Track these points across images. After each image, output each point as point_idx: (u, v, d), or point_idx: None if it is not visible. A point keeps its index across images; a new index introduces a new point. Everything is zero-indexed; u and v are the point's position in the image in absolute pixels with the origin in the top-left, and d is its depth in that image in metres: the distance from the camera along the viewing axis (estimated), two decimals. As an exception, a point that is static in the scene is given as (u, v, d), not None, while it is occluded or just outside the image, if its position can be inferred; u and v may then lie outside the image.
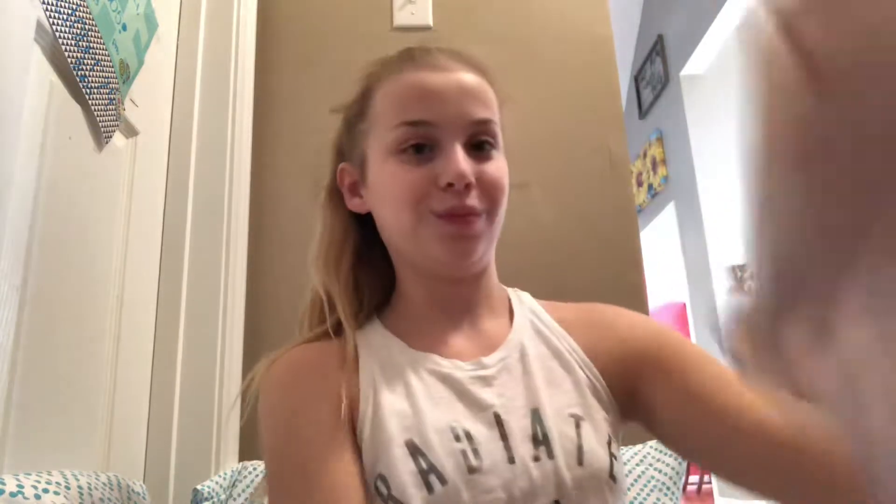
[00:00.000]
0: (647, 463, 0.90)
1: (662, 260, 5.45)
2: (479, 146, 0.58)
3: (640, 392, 0.57)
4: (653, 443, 0.93)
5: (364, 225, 0.65)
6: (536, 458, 0.51)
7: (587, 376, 0.57)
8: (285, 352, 0.60)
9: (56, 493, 0.55)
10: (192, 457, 0.98)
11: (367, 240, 0.64)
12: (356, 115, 0.63)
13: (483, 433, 0.52)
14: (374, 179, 0.60)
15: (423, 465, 0.50)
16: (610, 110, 1.34)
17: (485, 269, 0.62)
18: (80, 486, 0.60)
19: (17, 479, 0.53)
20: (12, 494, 0.51)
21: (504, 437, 0.52)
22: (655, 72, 4.63)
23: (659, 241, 5.05)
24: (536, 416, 0.54)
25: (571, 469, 0.51)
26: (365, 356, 0.58)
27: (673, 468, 0.89)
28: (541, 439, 0.52)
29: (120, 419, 0.88)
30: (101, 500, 0.63)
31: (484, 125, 0.58)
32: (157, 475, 0.95)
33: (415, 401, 0.54)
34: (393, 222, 0.59)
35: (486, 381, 0.56)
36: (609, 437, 0.54)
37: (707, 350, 0.55)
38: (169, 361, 1.00)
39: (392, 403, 0.54)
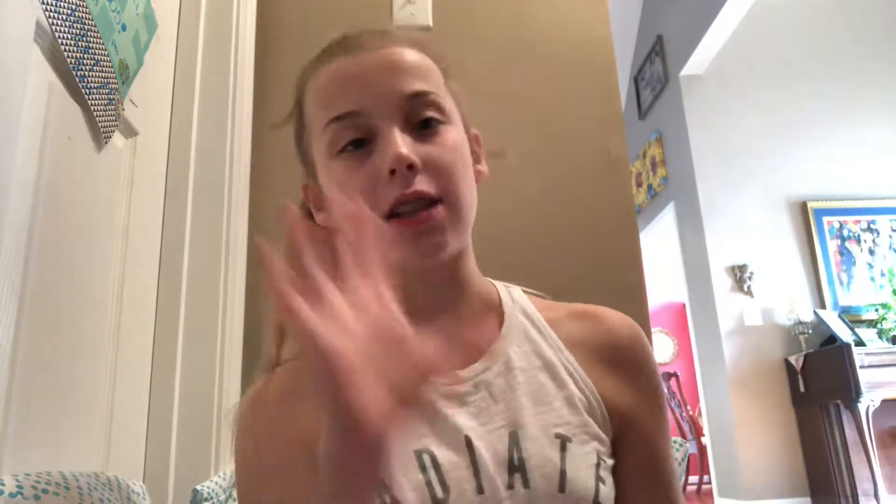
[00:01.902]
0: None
1: (662, 260, 5.45)
2: (424, 124, 0.52)
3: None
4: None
5: None
6: (510, 486, 0.47)
7: (581, 391, 0.52)
8: (261, 383, 0.56)
9: (56, 493, 0.55)
10: (191, 457, 0.98)
11: None
12: (297, 126, 0.59)
13: (451, 460, 0.48)
14: (326, 187, 0.55)
15: (387, 500, 0.46)
16: (609, 111, 1.34)
17: (456, 258, 0.55)
18: (79, 487, 0.60)
19: (17, 480, 0.53)
20: (11, 495, 0.51)
21: (474, 464, 0.48)
22: (655, 72, 4.64)
23: (658, 241, 5.06)
24: (515, 439, 0.49)
25: (550, 497, 0.46)
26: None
27: (672, 468, 0.89)
28: (517, 465, 0.47)
29: (119, 419, 0.88)
30: (101, 500, 0.62)
31: (420, 98, 0.52)
32: (157, 475, 0.95)
33: None
34: None
35: (460, 399, 0.51)
36: (599, 458, 0.49)
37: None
38: (169, 361, 1.00)
39: None
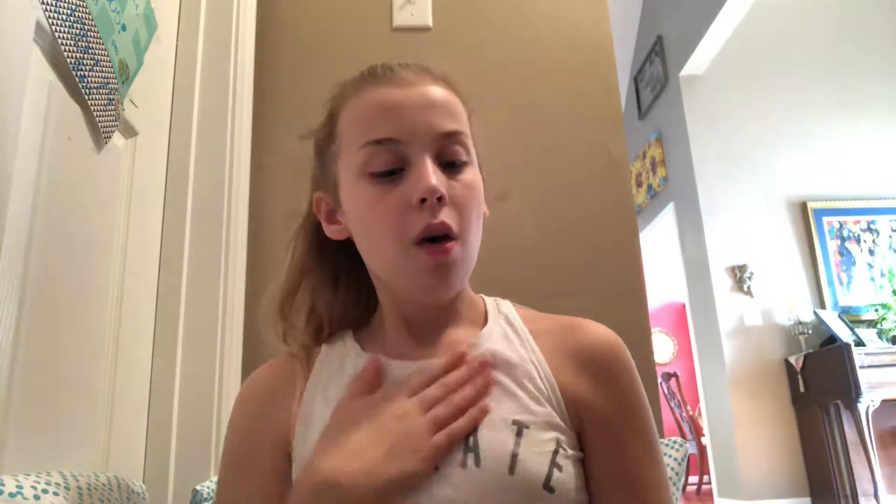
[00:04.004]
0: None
1: (662, 260, 5.45)
2: (451, 161, 0.56)
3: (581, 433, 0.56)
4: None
5: (343, 243, 0.64)
6: (463, 465, 0.50)
7: (546, 388, 0.55)
8: (252, 376, 0.64)
9: (55, 493, 0.55)
10: (191, 457, 0.98)
11: (351, 258, 0.63)
12: (324, 139, 0.62)
13: None
14: (348, 204, 0.59)
15: None
16: (609, 111, 1.34)
17: (460, 291, 0.61)
18: (79, 487, 0.60)
19: (17, 480, 0.53)
20: (11, 495, 0.51)
21: None
22: (655, 72, 4.64)
23: (658, 241, 5.06)
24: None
25: (499, 477, 0.49)
26: (317, 373, 0.60)
27: (672, 468, 0.89)
28: (471, 446, 0.50)
29: (119, 419, 0.89)
30: (101, 500, 0.62)
31: (453, 137, 0.56)
32: (157, 475, 0.95)
33: None
34: (370, 249, 0.58)
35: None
36: (558, 446, 0.51)
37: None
38: (168, 361, 1.00)
39: (322, 419, 0.55)
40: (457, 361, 0.55)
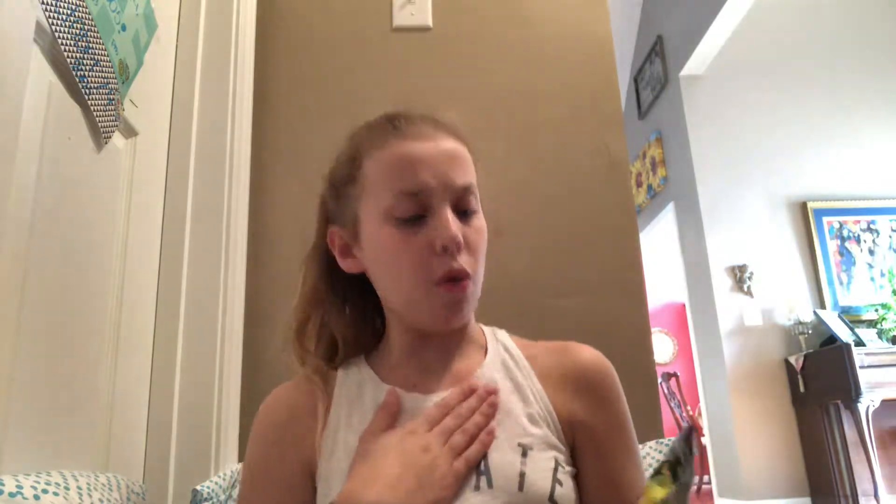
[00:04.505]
0: (646, 463, 0.90)
1: (662, 260, 5.45)
2: (464, 212, 0.63)
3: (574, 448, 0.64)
4: (652, 443, 0.93)
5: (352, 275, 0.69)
6: (476, 487, 0.56)
7: (542, 410, 0.62)
8: (272, 396, 0.68)
9: (55, 493, 0.55)
10: (191, 457, 0.98)
11: (359, 288, 0.69)
12: (345, 179, 0.66)
13: None
14: (370, 243, 0.64)
15: None
16: (609, 111, 1.34)
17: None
18: (79, 487, 0.60)
19: (17, 480, 0.53)
20: (11, 495, 0.51)
21: None
22: (655, 72, 4.64)
23: (658, 241, 5.06)
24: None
25: (511, 495, 0.55)
26: (338, 397, 0.65)
27: (672, 468, 0.89)
28: (482, 470, 0.57)
29: (119, 419, 0.88)
30: (101, 500, 0.62)
31: (468, 189, 0.63)
32: (157, 475, 0.95)
33: None
34: (391, 286, 0.64)
35: None
36: (557, 464, 0.59)
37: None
38: (168, 362, 1.00)
39: (346, 446, 0.60)
40: (467, 392, 0.62)
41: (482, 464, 0.57)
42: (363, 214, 0.64)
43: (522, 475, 0.56)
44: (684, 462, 0.49)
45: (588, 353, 0.67)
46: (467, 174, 0.64)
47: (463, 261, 0.61)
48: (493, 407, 0.61)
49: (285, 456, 0.63)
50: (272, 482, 0.62)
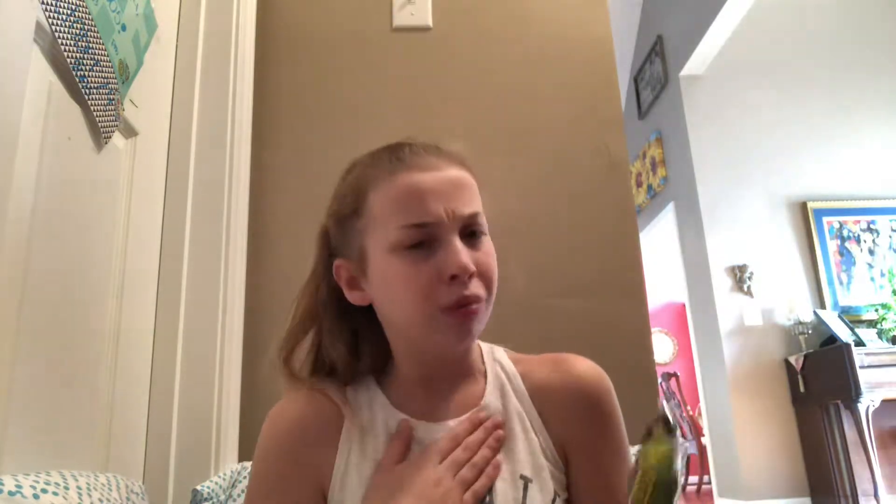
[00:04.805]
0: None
1: (662, 260, 5.45)
2: (471, 234, 0.63)
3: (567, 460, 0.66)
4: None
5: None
6: None
7: (538, 439, 0.64)
8: (281, 407, 0.67)
9: (55, 493, 0.55)
10: (191, 457, 0.98)
11: (361, 310, 0.68)
12: (350, 212, 0.66)
13: None
14: (377, 274, 0.64)
15: None
16: (609, 111, 1.34)
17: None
18: (78, 487, 0.60)
19: (16, 479, 0.53)
20: (10, 494, 0.51)
21: None
22: (655, 72, 4.64)
23: (658, 241, 5.05)
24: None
25: None
26: (348, 419, 0.65)
27: (672, 468, 0.89)
28: (487, 502, 0.59)
29: (119, 419, 0.88)
30: (100, 500, 0.62)
31: (475, 216, 0.63)
32: (157, 475, 0.95)
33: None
34: (400, 315, 0.64)
35: None
36: (555, 494, 0.61)
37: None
38: (168, 361, 1.00)
39: (360, 473, 0.62)
40: (476, 423, 0.63)
41: (486, 497, 0.60)
42: (370, 247, 0.64)
43: None
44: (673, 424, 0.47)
45: (583, 368, 0.67)
46: (474, 202, 0.64)
47: (474, 286, 0.61)
48: (499, 441, 0.62)
49: (296, 477, 0.63)
50: (287, 495, 0.63)
